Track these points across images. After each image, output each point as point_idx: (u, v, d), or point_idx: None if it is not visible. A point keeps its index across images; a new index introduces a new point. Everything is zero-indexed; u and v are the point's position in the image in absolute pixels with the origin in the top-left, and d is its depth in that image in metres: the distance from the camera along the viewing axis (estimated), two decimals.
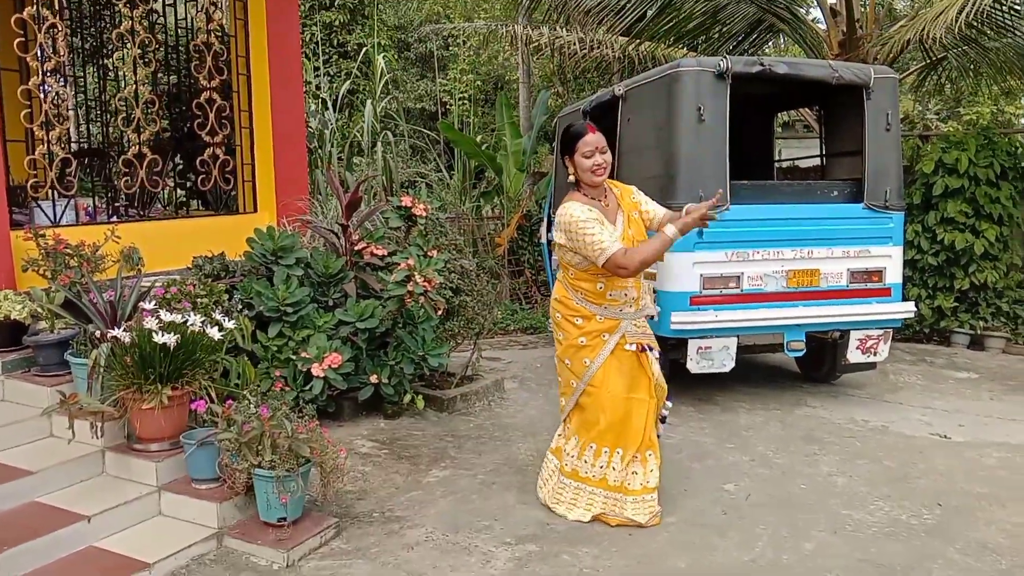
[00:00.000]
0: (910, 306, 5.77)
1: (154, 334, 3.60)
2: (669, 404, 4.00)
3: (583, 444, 3.83)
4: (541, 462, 4.71)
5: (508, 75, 18.53)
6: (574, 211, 3.60)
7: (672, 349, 5.65)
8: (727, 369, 5.46)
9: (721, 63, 5.30)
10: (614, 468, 3.78)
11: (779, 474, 4.55)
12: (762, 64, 5.43)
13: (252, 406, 3.88)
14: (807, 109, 10.12)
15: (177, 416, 3.82)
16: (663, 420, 4.00)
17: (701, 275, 5.33)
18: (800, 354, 5.68)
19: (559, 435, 4.08)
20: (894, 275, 5.74)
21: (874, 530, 3.81)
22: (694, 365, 5.40)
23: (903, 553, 3.57)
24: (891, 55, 7.95)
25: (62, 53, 5.01)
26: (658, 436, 3.92)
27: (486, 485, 4.35)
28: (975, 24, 7.77)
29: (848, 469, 4.61)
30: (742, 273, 5.42)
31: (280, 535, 3.53)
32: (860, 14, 8.65)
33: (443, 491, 4.26)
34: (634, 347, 3.75)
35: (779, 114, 9.51)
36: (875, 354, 5.78)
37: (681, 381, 6.01)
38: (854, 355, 5.74)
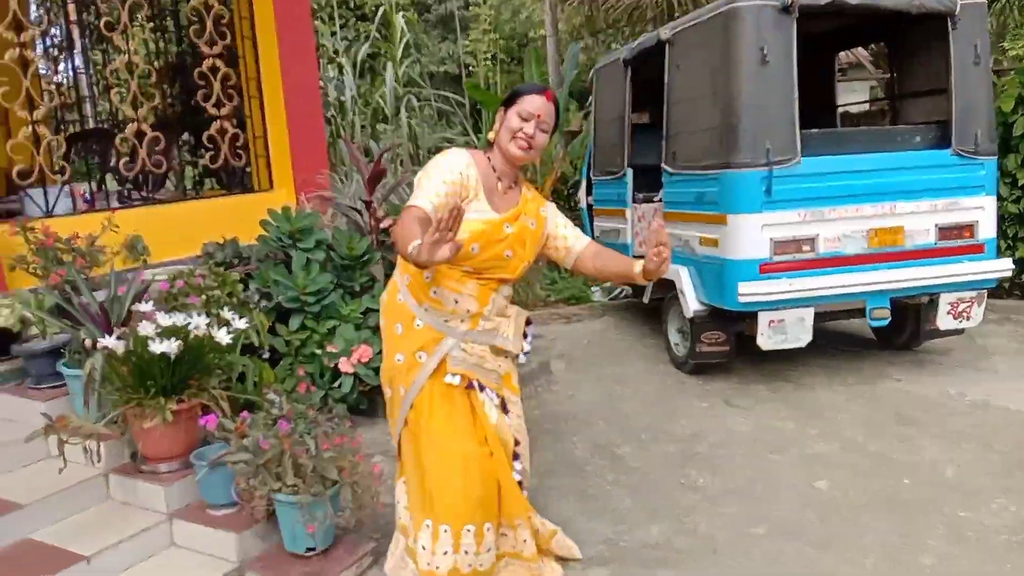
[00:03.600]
0: (1007, 263, 5.10)
1: (150, 341, 3.09)
2: (518, 465, 2.86)
3: (416, 520, 2.72)
4: (597, 459, 4.22)
5: (532, 31, 17.78)
6: (447, 157, 2.67)
7: (738, 321, 5.09)
8: (803, 344, 4.86)
9: None
10: (466, 552, 2.63)
11: (876, 465, 3.97)
12: None
13: (275, 409, 3.39)
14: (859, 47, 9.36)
15: (186, 432, 3.33)
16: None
17: (771, 239, 4.71)
18: (885, 323, 5.06)
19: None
20: (987, 229, 5.08)
21: (1004, 537, 3.22)
22: (766, 340, 4.80)
23: None
24: None
25: (43, 23, 4.45)
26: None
27: (540, 492, 3.82)
28: None
29: (954, 456, 4.02)
30: (817, 235, 4.79)
31: (309, 568, 3.04)
32: None
33: None
34: (456, 380, 2.68)
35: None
36: (968, 319, 5.13)
37: (747, 354, 5.44)
38: (944, 321, 5.10)
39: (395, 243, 2.35)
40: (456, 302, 2.67)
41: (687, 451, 4.26)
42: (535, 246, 2.79)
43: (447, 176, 2.55)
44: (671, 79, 5.52)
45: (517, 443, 2.88)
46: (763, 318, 4.77)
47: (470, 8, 17.55)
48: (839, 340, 6.16)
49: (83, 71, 6.01)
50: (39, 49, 5.76)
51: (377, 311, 4.39)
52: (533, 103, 2.63)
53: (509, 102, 2.69)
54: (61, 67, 6.77)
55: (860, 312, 5.09)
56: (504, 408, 2.83)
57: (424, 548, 2.66)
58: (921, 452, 4.08)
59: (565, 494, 3.81)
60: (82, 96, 6.59)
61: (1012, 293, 7.46)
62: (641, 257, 2.63)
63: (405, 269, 2.73)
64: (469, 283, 2.65)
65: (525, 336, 2.92)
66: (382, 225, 4.79)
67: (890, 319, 5.06)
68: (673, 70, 5.50)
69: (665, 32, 5.56)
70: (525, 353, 2.94)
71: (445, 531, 2.63)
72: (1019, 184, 7.09)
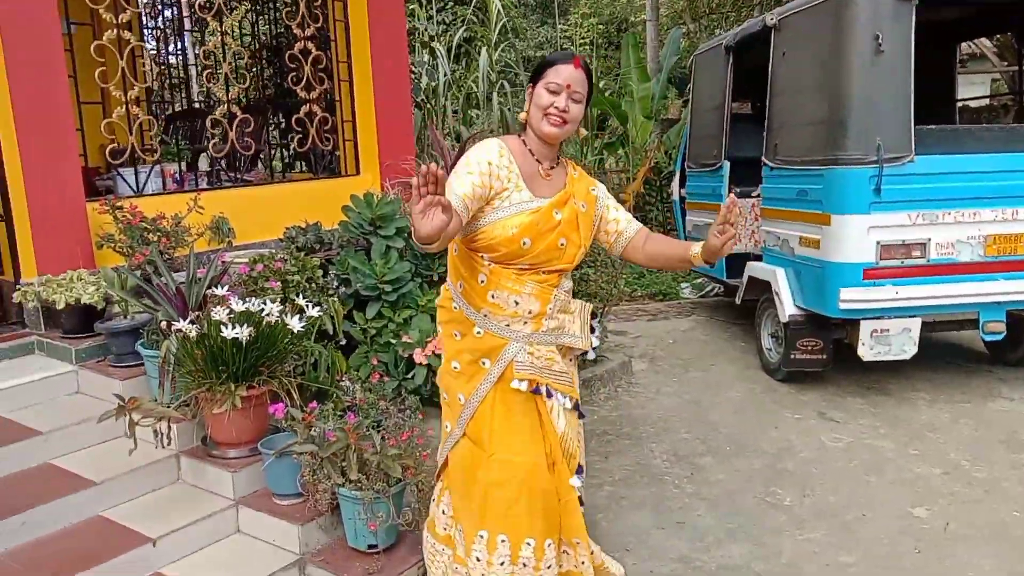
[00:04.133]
0: None
1: (223, 326, 3.06)
2: (577, 482, 2.59)
3: (468, 533, 2.55)
4: (677, 468, 4.02)
5: (633, 16, 17.42)
6: (475, 150, 2.45)
7: (837, 328, 4.78)
8: (907, 356, 4.53)
9: None
10: (524, 565, 2.47)
11: (982, 494, 3.65)
12: None
13: (348, 396, 3.34)
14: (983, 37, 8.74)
15: (255, 419, 3.30)
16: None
17: (878, 242, 4.39)
18: (999, 337, 4.67)
19: (435, 502, 2.81)
20: None
21: None
22: (867, 351, 4.49)
23: None
24: None
25: (148, 4, 4.49)
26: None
27: (614, 500, 3.65)
28: None
29: None
30: (929, 239, 4.44)
31: (370, 566, 2.96)
32: None
33: None
34: (523, 385, 2.48)
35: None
36: None
37: (844, 363, 5.12)
38: None
39: (413, 232, 2.07)
40: (516, 303, 2.46)
41: (775, 466, 4.01)
42: (590, 229, 2.57)
43: (473, 168, 2.36)
44: (776, 67, 5.22)
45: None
46: (865, 327, 4.46)
47: None
48: (946, 353, 5.75)
49: (181, 52, 6.11)
50: (141, 30, 5.84)
51: None
52: (561, 73, 2.38)
53: (536, 77, 2.46)
54: (162, 48, 6.89)
55: (972, 324, 4.74)
56: (579, 412, 2.65)
57: (479, 560, 2.50)
58: None
59: (640, 504, 3.62)
60: (179, 78, 6.71)
61: None
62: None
63: (457, 276, 2.55)
64: (528, 283, 2.45)
65: (592, 330, 2.72)
66: None
67: (1005, 333, 4.67)
68: (779, 58, 5.20)
69: (772, 17, 5.26)
70: (594, 348, 2.75)
71: (503, 541, 2.48)
72: None
